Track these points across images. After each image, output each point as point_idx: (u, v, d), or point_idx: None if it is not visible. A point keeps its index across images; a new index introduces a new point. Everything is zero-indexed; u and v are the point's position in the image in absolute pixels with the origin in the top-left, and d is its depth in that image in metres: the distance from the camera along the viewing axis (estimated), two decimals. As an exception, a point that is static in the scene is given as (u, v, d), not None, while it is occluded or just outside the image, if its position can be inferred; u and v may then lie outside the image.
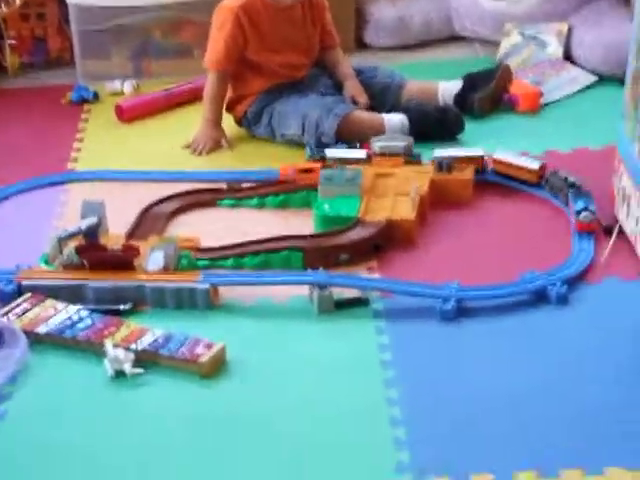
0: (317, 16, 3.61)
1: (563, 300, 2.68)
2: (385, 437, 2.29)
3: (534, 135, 3.51)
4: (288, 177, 3.22)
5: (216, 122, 3.56)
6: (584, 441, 2.24)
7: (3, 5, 3.99)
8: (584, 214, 2.83)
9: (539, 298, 2.71)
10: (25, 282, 2.81)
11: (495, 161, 3.20)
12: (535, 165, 3.15)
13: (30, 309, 2.72)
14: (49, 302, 2.75)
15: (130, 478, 2.23)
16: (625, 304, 2.70)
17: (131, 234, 3.02)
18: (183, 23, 3.95)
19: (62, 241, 2.88)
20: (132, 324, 2.65)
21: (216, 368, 2.51)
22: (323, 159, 3.24)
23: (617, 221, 2.93)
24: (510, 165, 3.18)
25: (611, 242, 2.88)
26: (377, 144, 3.28)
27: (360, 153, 3.27)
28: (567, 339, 2.59)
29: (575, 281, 2.75)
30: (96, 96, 3.92)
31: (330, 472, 2.20)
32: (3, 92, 4.06)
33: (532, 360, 2.51)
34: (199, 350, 2.53)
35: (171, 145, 3.59)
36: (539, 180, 3.15)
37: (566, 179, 3.05)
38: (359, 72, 3.66)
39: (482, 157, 3.19)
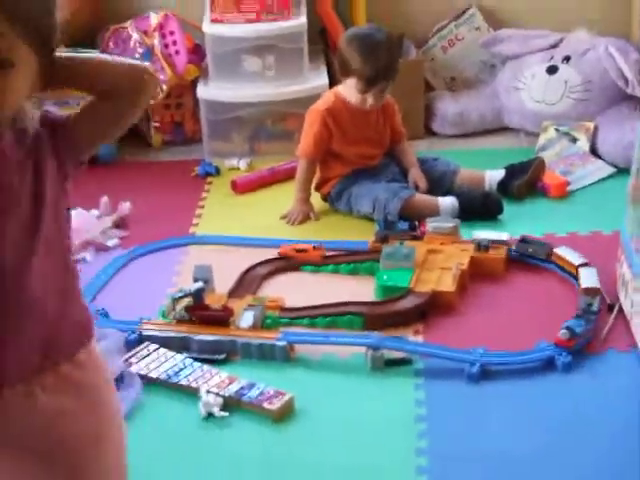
0: (388, 117, 3.59)
1: (568, 368, 2.63)
2: (410, 482, 2.28)
3: (560, 219, 3.44)
4: (287, 254, 3.21)
5: (305, 199, 3.55)
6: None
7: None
8: (563, 332, 2.67)
9: (549, 365, 2.66)
10: (145, 332, 2.84)
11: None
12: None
13: (147, 355, 2.76)
14: (162, 351, 2.78)
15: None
16: (620, 372, 2.64)
17: (232, 293, 3.03)
18: (288, 114, 3.95)
19: (176, 300, 2.91)
20: (224, 373, 2.66)
21: (285, 414, 2.51)
22: (387, 238, 3.22)
23: (618, 300, 2.87)
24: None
25: (612, 318, 2.82)
26: (430, 224, 3.25)
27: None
28: (569, 403, 2.53)
29: (579, 352, 2.69)
30: (218, 171, 3.93)
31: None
32: (148, 164, 4.10)
33: (538, 422, 2.46)
34: (273, 399, 2.54)
35: (273, 215, 3.58)
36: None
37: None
38: (422, 162, 3.63)
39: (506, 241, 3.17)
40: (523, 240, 3.15)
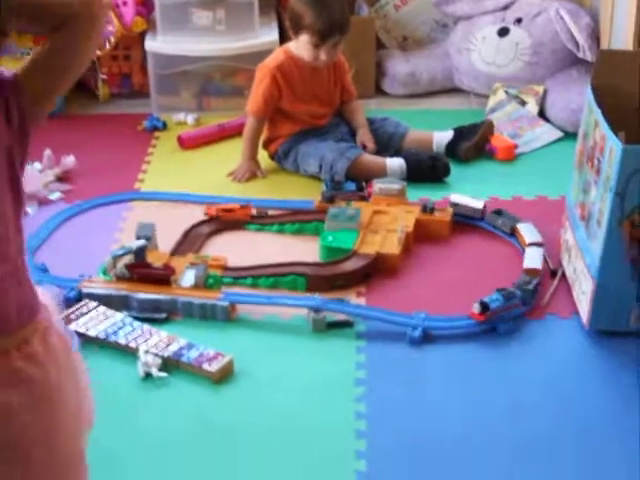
0: (339, 76, 3.51)
1: (509, 333, 2.60)
2: (348, 448, 2.23)
3: (506, 182, 3.39)
4: (213, 215, 3.13)
5: (253, 156, 3.48)
6: (523, 464, 2.18)
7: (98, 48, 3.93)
8: (475, 305, 2.60)
9: (491, 330, 2.63)
10: (85, 290, 2.77)
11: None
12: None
13: (85, 313, 2.69)
14: (101, 309, 2.70)
15: (135, 463, 2.21)
16: (558, 338, 2.62)
17: (174, 251, 2.96)
18: (238, 70, 3.86)
19: (117, 257, 2.83)
20: (163, 333, 2.60)
21: (225, 376, 2.46)
22: (333, 198, 3.16)
23: (561, 265, 2.84)
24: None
25: (554, 284, 2.79)
26: (377, 185, 3.19)
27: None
28: (508, 367, 2.51)
29: (520, 317, 2.66)
30: (165, 125, 3.84)
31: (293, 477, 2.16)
32: (94, 117, 3.99)
33: (474, 388, 2.43)
34: (212, 360, 2.48)
35: (219, 172, 3.50)
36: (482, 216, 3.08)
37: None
38: (371, 122, 3.56)
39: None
40: (497, 212, 3.07)
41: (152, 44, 3.88)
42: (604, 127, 2.48)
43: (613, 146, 2.40)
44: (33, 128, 1.46)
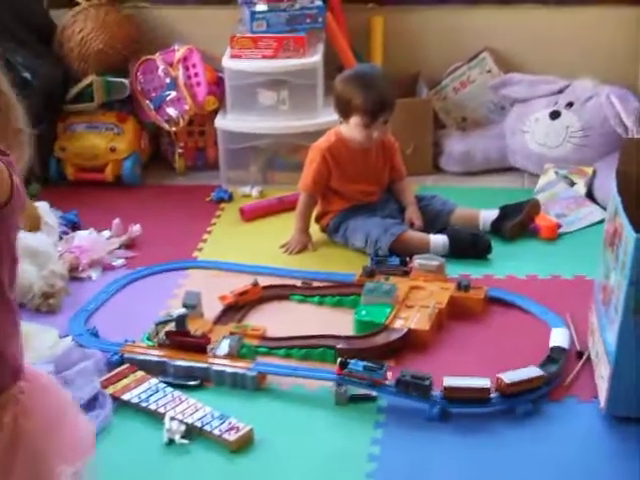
0: (388, 156, 3.43)
1: (528, 414, 2.45)
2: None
3: (546, 260, 3.24)
4: (231, 302, 2.98)
5: (305, 230, 3.40)
6: None
7: (174, 125, 3.93)
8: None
9: (510, 410, 2.48)
10: (126, 355, 2.72)
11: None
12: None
13: (123, 378, 2.63)
14: (139, 373, 2.65)
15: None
16: (577, 423, 2.45)
17: (218, 320, 2.90)
18: (300, 147, 3.79)
19: (160, 324, 2.79)
20: (191, 400, 2.52)
21: (243, 446, 2.37)
22: (373, 273, 3.06)
23: (587, 348, 2.68)
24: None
25: (579, 366, 2.62)
26: (417, 261, 3.08)
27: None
28: (523, 451, 2.34)
29: (542, 398, 2.50)
30: (230, 197, 3.80)
31: None
32: (169, 188, 3.98)
33: (493, 471, 2.29)
34: (233, 430, 2.39)
35: (274, 243, 3.42)
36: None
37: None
38: (419, 199, 3.46)
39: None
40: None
41: (222, 122, 3.86)
42: (622, 215, 2.33)
43: (628, 236, 2.26)
44: None
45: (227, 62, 3.80)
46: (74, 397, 2.45)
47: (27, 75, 3.79)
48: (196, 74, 3.89)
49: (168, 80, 3.90)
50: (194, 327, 2.80)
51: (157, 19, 4.12)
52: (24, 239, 3.14)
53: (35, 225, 3.28)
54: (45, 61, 3.90)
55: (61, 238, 3.37)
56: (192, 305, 2.89)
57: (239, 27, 3.88)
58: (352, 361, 2.53)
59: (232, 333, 2.77)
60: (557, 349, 2.65)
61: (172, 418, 2.43)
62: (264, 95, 3.80)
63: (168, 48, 3.95)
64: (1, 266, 1.55)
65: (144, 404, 2.52)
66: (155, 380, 2.61)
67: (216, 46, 3.92)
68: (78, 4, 4.00)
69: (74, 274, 3.22)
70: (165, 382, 2.61)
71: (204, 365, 2.64)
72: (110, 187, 3.91)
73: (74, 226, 3.50)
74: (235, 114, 3.84)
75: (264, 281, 3.11)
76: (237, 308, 2.98)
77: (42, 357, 2.66)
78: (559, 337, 2.71)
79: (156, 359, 2.68)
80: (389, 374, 2.53)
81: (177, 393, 2.55)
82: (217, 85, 3.95)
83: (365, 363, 2.53)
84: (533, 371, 2.52)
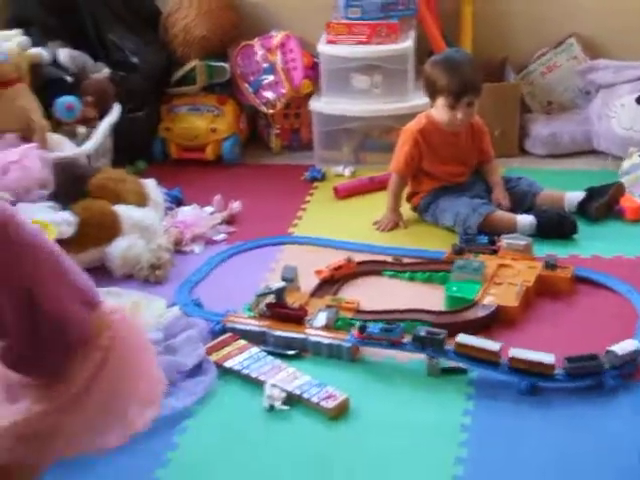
0: (477, 139, 3.38)
1: (615, 389, 2.40)
2: (443, 492, 2.11)
3: (633, 242, 3.15)
4: (327, 276, 2.97)
5: (396, 209, 3.38)
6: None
7: (271, 107, 3.93)
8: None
9: (599, 385, 2.42)
10: (228, 324, 2.74)
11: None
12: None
13: (225, 346, 2.65)
14: (240, 342, 2.67)
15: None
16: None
17: (314, 293, 2.90)
18: (392, 128, 3.76)
19: (260, 296, 2.80)
20: (291, 369, 2.53)
21: (340, 414, 2.37)
22: (462, 251, 3.03)
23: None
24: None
25: (664, 344, 2.56)
26: (505, 240, 3.03)
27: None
28: (614, 426, 2.29)
29: (629, 376, 2.44)
30: (323, 176, 3.80)
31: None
32: (265, 167, 3.99)
33: (579, 443, 2.23)
34: (330, 398, 2.39)
35: (366, 221, 3.41)
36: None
37: None
38: (506, 180, 3.41)
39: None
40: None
41: (317, 104, 3.85)
42: None
43: None
44: None
45: (322, 47, 3.78)
46: (180, 363, 2.51)
47: (135, 60, 3.84)
48: (293, 59, 3.89)
49: (266, 65, 3.91)
50: (292, 299, 2.80)
51: (256, 6, 4.11)
52: (134, 214, 3.19)
53: (142, 200, 3.32)
54: (151, 47, 3.94)
55: (166, 214, 3.40)
56: (290, 279, 2.90)
57: (334, 14, 3.86)
58: (370, 324, 2.57)
59: (328, 306, 2.76)
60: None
61: (273, 385, 2.44)
62: (357, 79, 3.78)
63: (266, 34, 3.96)
64: None
65: (246, 371, 2.53)
66: (256, 349, 2.63)
67: (312, 32, 3.91)
68: (184, -9, 4.03)
69: (178, 248, 3.25)
70: (265, 351, 2.62)
71: (302, 336, 2.64)
72: (211, 165, 3.94)
73: (178, 202, 3.53)
74: (329, 97, 3.83)
75: (357, 257, 3.10)
76: (332, 282, 2.97)
77: (151, 325, 2.70)
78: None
79: (257, 329, 2.69)
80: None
81: (277, 362, 2.56)
82: (312, 69, 3.94)
83: (382, 325, 2.57)
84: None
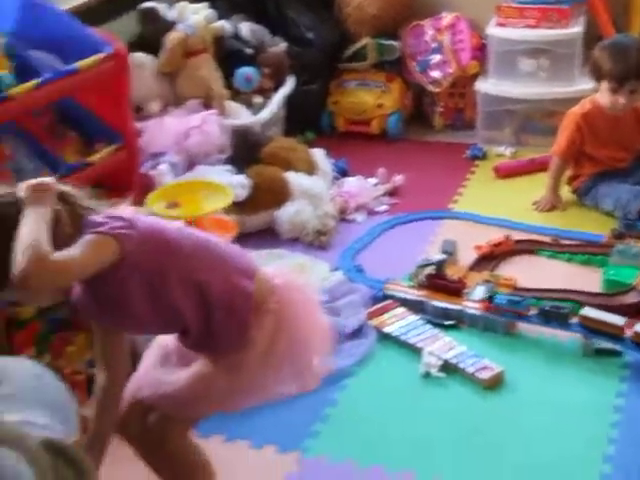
0: (640, 124, 3.26)
1: None
2: (593, 470, 2.05)
3: None
4: (485, 251, 2.91)
5: (555, 191, 3.29)
6: None
7: (437, 86, 3.89)
8: None
9: None
10: (389, 291, 2.73)
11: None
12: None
13: (385, 312, 2.65)
14: (400, 309, 2.66)
15: (412, 448, 2.13)
16: None
17: (472, 267, 2.86)
18: (555, 112, 3.65)
19: (420, 267, 2.78)
20: (447, 338, 2.51)
21: (494, 385, 2.34)
22: (622, 236, 2.92)
23: None
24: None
25: None
26: (666, 228, 2.92)
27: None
28: None
29: None
30: (484, 155, 3.73)
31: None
32: (427, 143, 3.95)
33: None
34: (485, 369, 2.37)
35: (525, 200, 3.34)
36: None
37: None
38: (671, 169, 3.27)
39: None
40: None
41: (483, 85, 3.78)
42: None
43: None
44: None
45: (492, 30, 3.70)
46: (341, 325, 2.53)
47: (311, 36, 3.86)
48: (461, 40, 3.82)
49: (435, 45, 3.86)
50: (450, 272, 2.78)
51: (428, -13, 4.07)
52: (303, 181, 3.22)
53: (311, 168, 3.34)
54: (326, 24, 3.95)
55: (332, 183, 3.42)
56: (449, 252, 2.87)
57: (505, -3, 3.77)
58: (497, 295, 2.54)
59: (486, 281, 2.72)
60: None
61: (430, 353, 2.43)
62: (524, 62, 3.69)
63: (437, 15, 3.90)
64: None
65: (404, 338, 2.53)
66: (414, 317, 2.62)
67: (481, 14, 3.83)
68: (358, -28, 4.01)
69: (342, 216, 3.27)
70: (423, 319, 2.61)
71: (459, 307, 2.62)
72: (375, 139, 3.92)
73: (343, 173, 3.54)
74: (495, 79, 3.75)
75: (515, 235, 3.04)
76: (490, 258, 2.93)
77: (315, 287, 2.72)
78: None
79: (416, 298, 2.68)
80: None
81: (434, 330, 2.55)
82: (480, 51, 3.86)
83: (509, 297, 2.54)
84: None
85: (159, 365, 1.80)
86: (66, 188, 1.64)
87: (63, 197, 1.61)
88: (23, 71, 2.59)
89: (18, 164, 2.70)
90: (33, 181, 1.60)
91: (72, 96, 2.85)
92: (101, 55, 2.71)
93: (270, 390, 1.77)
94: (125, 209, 1.69)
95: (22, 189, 1.59)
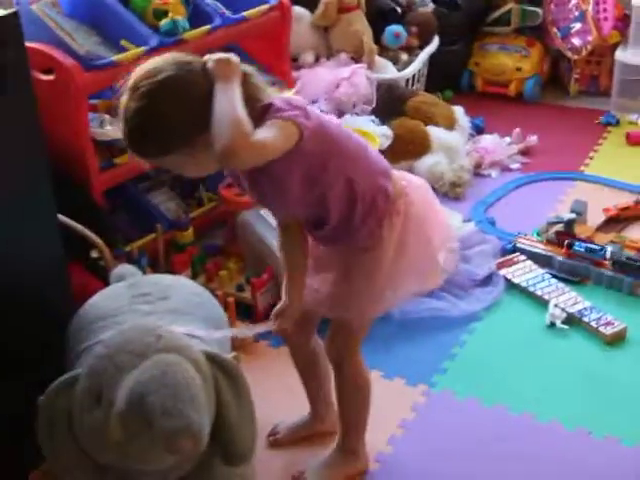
0: None
1: None
2: None
3: None
4: (613, 214, 2.80)
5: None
6: None
7: (576, 53, 3.73)
8: None
9: None
10: (519, 245, 2.67)
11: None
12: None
13: (515, 264, 2.59)
14: (528, 262, 2.59)
15: (534, 392, 2.10)
16: None
17: (599, 228, 2.76)
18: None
19: (550, 224, 2.70)
20: (573, 293, 2.44)
21: (617, 340, 2.26)
22: None
23: None
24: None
25: None
26: None
27: None
28: None
29: None
30: (617, 122, 3.57)
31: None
32: (561, 107, 3.80)
33: None
34: (609, 325, 2.29)
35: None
36: None
37: None
38: None
39: None
40: None
41: (622, 54, 3.60)
42: None
43: None
44: None
45: (636, 1, 3.51)
46: (472, 272, 2.49)
47: (459, -1, 3.76)
48: (605, 9, 3.64)
49: (577, 12, 3.69)
50: (579, 231, 2.68)
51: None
52: (442, 135, 3.16)
53: (450, 124, 3.28)
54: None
55: (469, 139, 3.35)
56: (579, 212, 2.77)
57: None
58: (576, 242, 2.50)
59: (612, 242, 2.63)
60: None
61: (555, 305, 2.37)
62: (666, 33, 3.50)
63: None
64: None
65: (531, 289, 2.47)
66: (541, 270, 2.55)
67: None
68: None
69: (477, 171, 3.20)
70: (550, 274, 2.54)
71: (586, 264, 2.54)
72: (512, 101, 3.81)
73: (479, 130, 3.45)
74: (636, 49, 3.56)
75: (643, 200, 2.92)
76: (618, 221, 2.82)
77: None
78: None
79: (544, 252, 2.61)
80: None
81: (560, 285, 2.48)
82: (622, 21, 3.69)
83: (587, 245, 2.49)
84: None
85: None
86: (248, 69, 1.55)
87: (245, 78, 1.52)
88: (196, 17, 2.61)
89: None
90: (221, 55, 1.51)
91: (238, 43, 2.87)
92: (268, 5, 2.71)
93: (403, 290, 1.73)
94: (297, 98, 1.61)
95: (211, 60, 1.51)
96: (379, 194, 1.65)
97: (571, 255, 2.51)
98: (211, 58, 1.51)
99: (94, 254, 2.20)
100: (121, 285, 1.79)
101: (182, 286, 1.83)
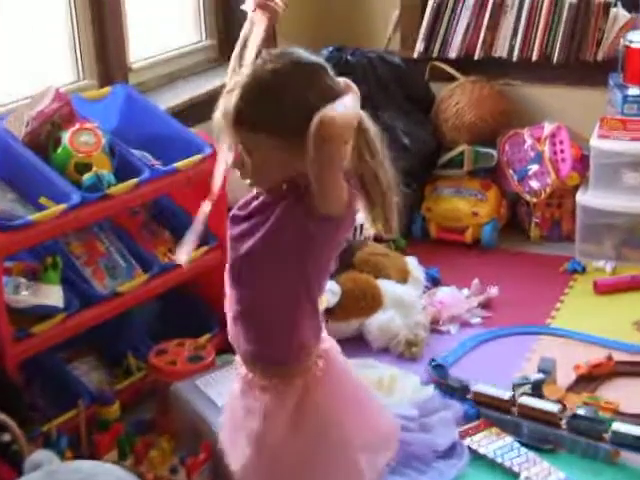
0: None
1: None
2: None
3: None
4: (584, 373, 2.88)
5: (660, 311, 3.24)
6: None
7: (535, 196, 3.89)
8: None
9: None
10: (483, 409, 2.69)
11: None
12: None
13: (479, 432, 2.60)
14: (494, 429, 2.61)
15: None
16: None
17: (570, 388, 2.81)
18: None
19: (516, 386, 2.74)
20: (545, 464, 2.45)
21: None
22: None
23: None
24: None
25: None
26: None
27: None
28: None
29: None
30: (584, 270, 3.69)
31: None
32: (522, 254, 3.92)
33: None
34: (586, 499, 2.30)
35: (626, 320, 3.27)
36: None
37: None
38: None
39: None
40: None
41: (583, 197, 3.76)
42: None
43: None
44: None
45: (595, 141, 3.70)
46: (435, 443, 2.49)
47: (406, 141, 3.91)
48: (562, 150, 3.84)
49: (533, 154, 3.88)
50: (547, 393, 2.72)
51: (528, 96, 4.09)
52: (396, 290, 3.23)
53: (404, 276, 3.35)
54: (422, 129, 4.00)
55: (424, 292, 3.42)
56: (547, 371, 2.82)
57: (608, 108, 3.78)
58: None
59: (585, 403, 2.67)
60: None
61: (526, 478, 2.38)
62: (628, 175, 3.67)
63: (536, 124, 3.93)
64: (324, 273, 1.67)
65: (499, 460, 2.48)
66: (510, 438, 2.57)
67: (583, 125, 3.85)
68: (456, 79, 4.08)
69: (434, 326, 3.25)
70: (519, 442, 2.56)
71: (558, 432, 2.56)
72: (469, 248, 3.92)
73: (435, 282, 3.54)
74: (597, 191, 3.72)
75: (616, 356, 2.98)
76: (590, 379, 2.87)
77: (405, 400, 2.70)
78: None
79: (512, 418, 2.63)
80: None
81: (531, 454, 2.49)
82: (580, 162, 3.87)
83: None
84: None
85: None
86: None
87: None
88: (123, 170, 2.68)
89: (111, 261, 2.78)
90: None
91: (168, 195, 2.94)
92: (201, 155, 2.80)
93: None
94: None
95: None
96: (303, 350, 1.68)
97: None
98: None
99: (5, 437, 2.17)
100: (37, 476, 1.76)
101: (106, 473, 1.80)
